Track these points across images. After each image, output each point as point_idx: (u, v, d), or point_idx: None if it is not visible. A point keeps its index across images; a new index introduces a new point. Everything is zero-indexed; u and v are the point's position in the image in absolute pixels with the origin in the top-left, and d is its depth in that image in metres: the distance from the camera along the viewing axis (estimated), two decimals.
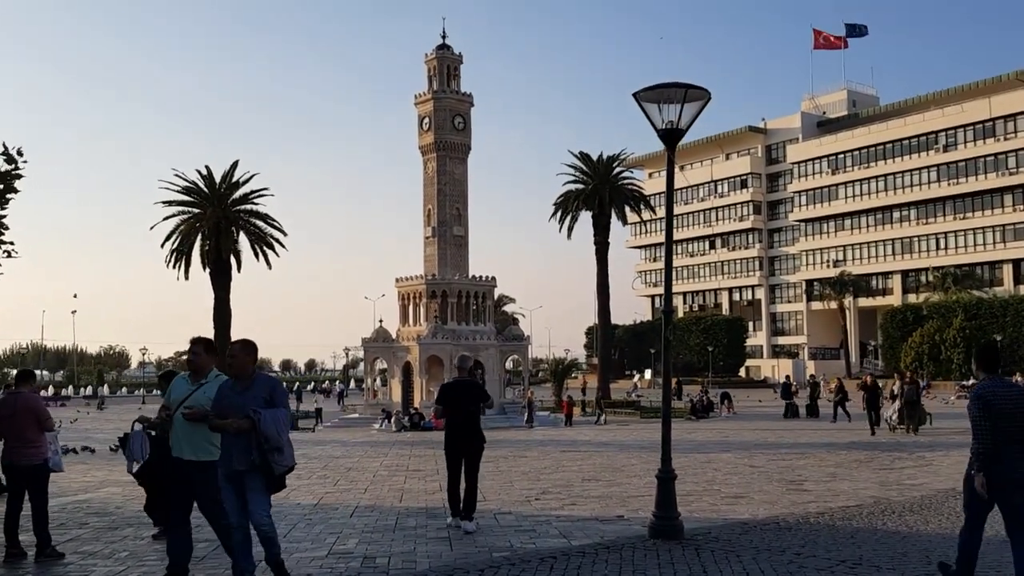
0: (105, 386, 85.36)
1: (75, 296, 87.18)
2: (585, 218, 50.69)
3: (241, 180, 39.12)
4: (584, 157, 50.64)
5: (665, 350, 8.13)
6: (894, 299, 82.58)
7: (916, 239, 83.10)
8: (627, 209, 51.33)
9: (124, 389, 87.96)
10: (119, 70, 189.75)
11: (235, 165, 39.00)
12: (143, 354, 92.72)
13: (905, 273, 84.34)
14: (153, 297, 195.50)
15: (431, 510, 10.54)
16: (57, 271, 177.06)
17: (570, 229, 50.88)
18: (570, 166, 51.04)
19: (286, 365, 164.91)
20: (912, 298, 79.71)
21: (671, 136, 7.92)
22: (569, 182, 51.00)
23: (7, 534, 7.93)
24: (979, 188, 77.23)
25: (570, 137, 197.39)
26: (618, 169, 51.33)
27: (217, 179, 39.05)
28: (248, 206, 39.39)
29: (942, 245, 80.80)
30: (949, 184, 79.30)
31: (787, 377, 33.64)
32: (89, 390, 78.59)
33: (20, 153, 13.39)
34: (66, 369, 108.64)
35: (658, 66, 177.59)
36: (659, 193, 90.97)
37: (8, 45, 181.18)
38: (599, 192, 49.02)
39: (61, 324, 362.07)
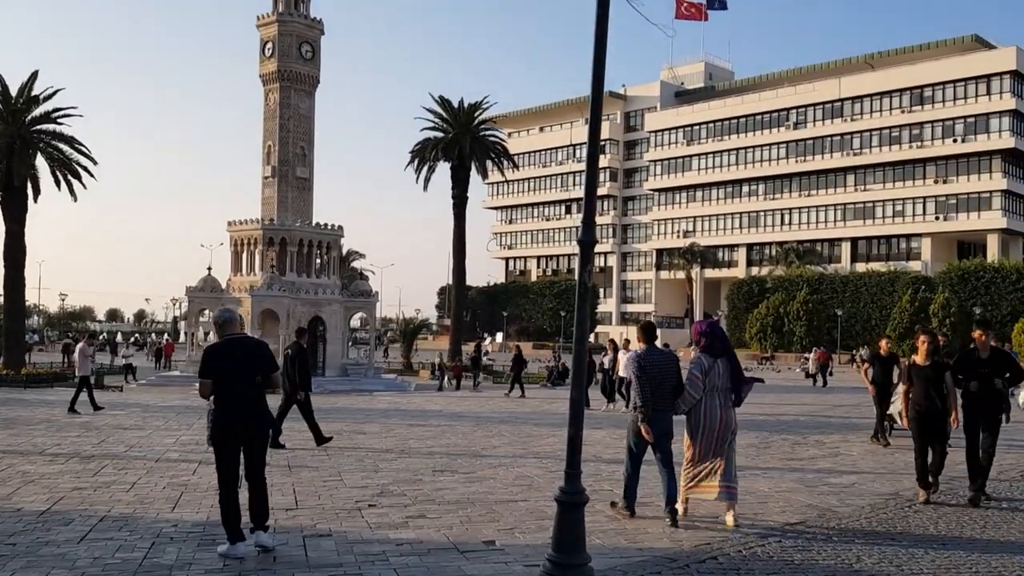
0: None
1: None
2: (443, 171, 47.52)
3: (42, 96, 33.31)
4: (444, 103, 47.27)
5: (580, 300, 5.21)
6: (739, 271, 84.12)
7: (762, 213, 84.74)
8: (488, 164, 48.52)
9: None
10: None
11: (34, 76, 33.05)
12: None
13: (750, 246, 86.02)
14: None
15: (209, 528, 7.22)
16: None
17: (427, 181, 47.60)
18: (429, 110, 47.60)
19: (112, 315, 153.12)
20: (756, 271, 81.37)
21: None
22: (427, 128, 47.59)
23: None
24: (824, 167, 79.29)
25: (428, 83, 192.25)
26: (479, 120, 48.30)
27: (13, 92, 33.10)
28: (50, 126, 33.66)
29: (787, 221, 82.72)
30: (796, 161, 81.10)
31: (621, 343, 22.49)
32: None
33: None
34: None
35: (523, 25, 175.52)
36: (521, 153, 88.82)
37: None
38: (459, 142, 45.89)
39: None
